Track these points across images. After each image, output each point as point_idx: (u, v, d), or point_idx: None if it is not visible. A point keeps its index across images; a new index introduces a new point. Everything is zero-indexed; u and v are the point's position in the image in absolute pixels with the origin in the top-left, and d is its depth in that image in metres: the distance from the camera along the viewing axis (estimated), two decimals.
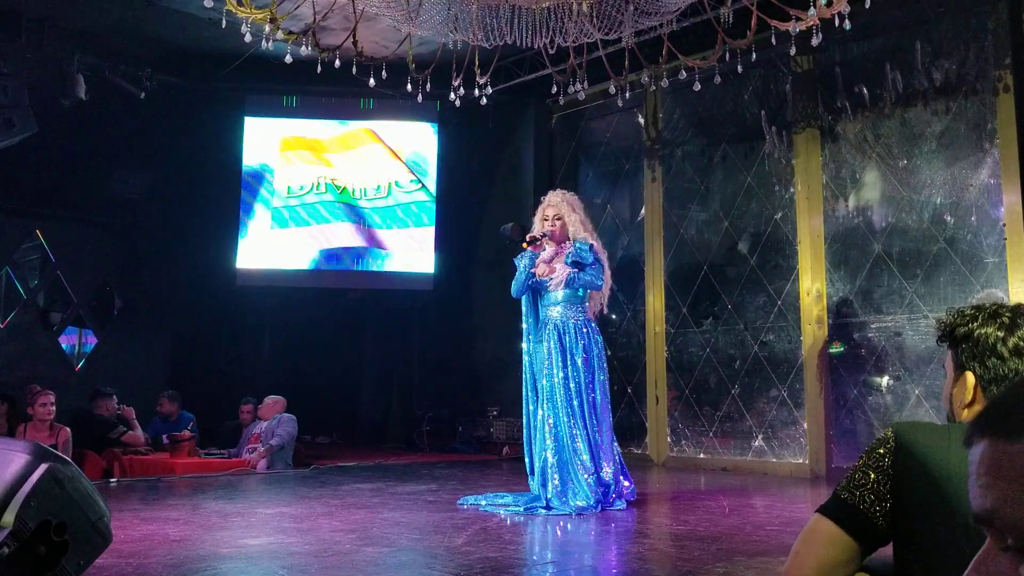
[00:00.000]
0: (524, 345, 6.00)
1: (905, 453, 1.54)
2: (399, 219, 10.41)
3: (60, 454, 3.37)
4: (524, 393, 5.92)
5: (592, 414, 5.64)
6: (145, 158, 9.97)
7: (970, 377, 1.60)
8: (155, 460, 7.83)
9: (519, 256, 6.01)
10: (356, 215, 10.42)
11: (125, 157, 9.85)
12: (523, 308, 6.07)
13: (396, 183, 10.44)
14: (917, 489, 1.51)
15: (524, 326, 6.04)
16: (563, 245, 5.93)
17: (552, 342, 5.76)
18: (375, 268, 10.37)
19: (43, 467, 3.27)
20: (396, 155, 10.49)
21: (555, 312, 5.84)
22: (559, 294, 5.85)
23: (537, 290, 5.99)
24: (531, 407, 5.87)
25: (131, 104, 9.37)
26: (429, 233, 10.36)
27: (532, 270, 5.93)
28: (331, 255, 10.40)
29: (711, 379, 8.35)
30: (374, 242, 10.39)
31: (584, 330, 5.78)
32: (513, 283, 5.99)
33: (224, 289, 10.22)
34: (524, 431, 5.91)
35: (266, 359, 10.96)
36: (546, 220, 5.98)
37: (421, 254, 10.36)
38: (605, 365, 5.86)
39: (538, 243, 5.97)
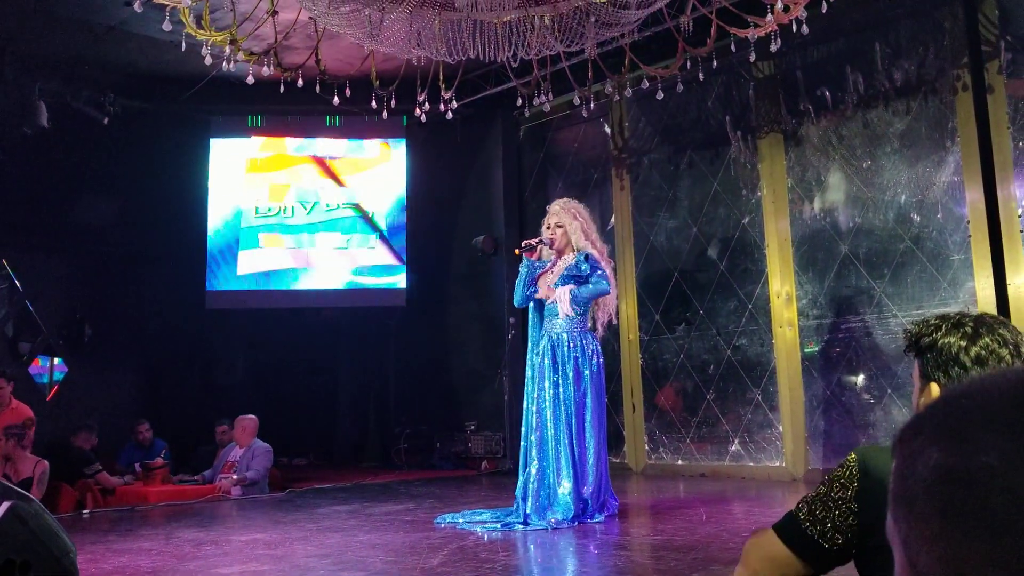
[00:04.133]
0: (528, 356, 5.91)
1: (871, 480, 1.52)
2: (367, 235, 10.38)
3: (21, 491, 3.34)
4: (525, 404, 5.83)
5: (580, 430, 5.57)
6: (111, 184, 9.88)
7: (935, 388, 1.59)
8: (128, 489, 7.74)
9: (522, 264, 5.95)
10: (326, 233, 10.37)
11: (90, 183, 9.75)
12: (529, 319, 6.00)
13: (344, 200, 10.42)
14: (884, 515, 1.49)
15: (530, 336, 5.95)
16: (565, 254, 5.86)
17: (546, 355, 5.71)
18: (348, 286, 10.32)
19: (4, 505, 3.23)
20: (336, 174, 10.48)
21: (551, 324, 5.77)
22: (556, 306, 5.78)
23: (541, 300, 5.90)
24: (528, 419, 5.76)
25: (95, 130, 9.29)
26: (400, 248, 10.33)
27: (534, 279, 5.86)
28: (301, 274, 10.34)
29: (687, 385, 8.37)
30: (344, 260, 10.35)
31: (579, 344, 5.67)
32: (514, 292, 5.95)
33: (194, 313, 10.14)
34: (522, 441, 5.82)
35: (240, 382, 10.86)
36: (547, 229, 5.92)
37: (392, 271, 10.33)
38: (601, 382, 5.73)
39: (533, 250, 5.90)
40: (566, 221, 5.83)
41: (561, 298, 5.68)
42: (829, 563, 1.56)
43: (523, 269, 5.89)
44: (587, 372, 5.64)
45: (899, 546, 0.65)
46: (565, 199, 6.10)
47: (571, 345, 5.66)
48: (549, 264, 5.92)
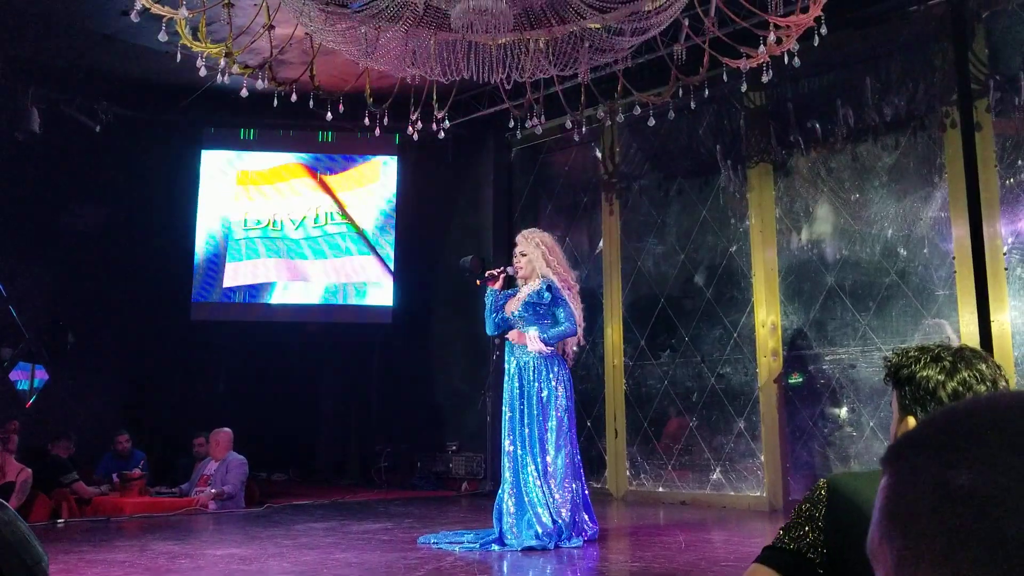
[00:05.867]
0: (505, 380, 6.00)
1: (839, 505, 1.52)
2: (355, 251, 10.36)
3: None
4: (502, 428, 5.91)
5: (544, 454, 5.60)
6: (100, 191, 9.85)
7: (912, 422, 1.58)
8: (104, 500, 7.66)
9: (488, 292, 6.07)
10: (314, 248, 10.36)
11: (80, 190, 9.72)
12: (506, 343, 6.10)
13: (333, 214, 10.42)
14: (856, 541, 1.49)
15: (506, 359, 6.03)
16: (530, 281, 5.95)
17: (514, 379, 5.80)
18: (333, 301, 10.30)
19: None
20: (329, 189, 10.49)
21: (519, 350, 5.87)
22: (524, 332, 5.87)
23: (512, 326, 6.01)
24: (503, 441, 5.84)
25: (86, 137, 9.27)
26: (388, 266, 10.32)
27: (500, 307, 5.98)
28: (288, 288, 10.31)
29: (670, 411, 8.36)
30: (330, 275, 10.33)
31: (544, 367, 5.76)
32: (485, 323, 6.07)
33: (179, 324, 10.08)
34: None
35: (222, 395, 10.79)
36: (516, 258, 6.05)
37: (380, 287, 10.32)
38: (568, 404, 5.77)
39: (496, 279, 6.01)
40: (529, 250, 5.97)
41: (532, 339, 5.76)
42: None
43: (488, 299, 6.03)
44: (551, 397, 5.70)
45: (889, 566, 0.62)
46: (530, 229, 6.26)
47: (536, 370, 5.76)
48: (514, 292, 6.02)
